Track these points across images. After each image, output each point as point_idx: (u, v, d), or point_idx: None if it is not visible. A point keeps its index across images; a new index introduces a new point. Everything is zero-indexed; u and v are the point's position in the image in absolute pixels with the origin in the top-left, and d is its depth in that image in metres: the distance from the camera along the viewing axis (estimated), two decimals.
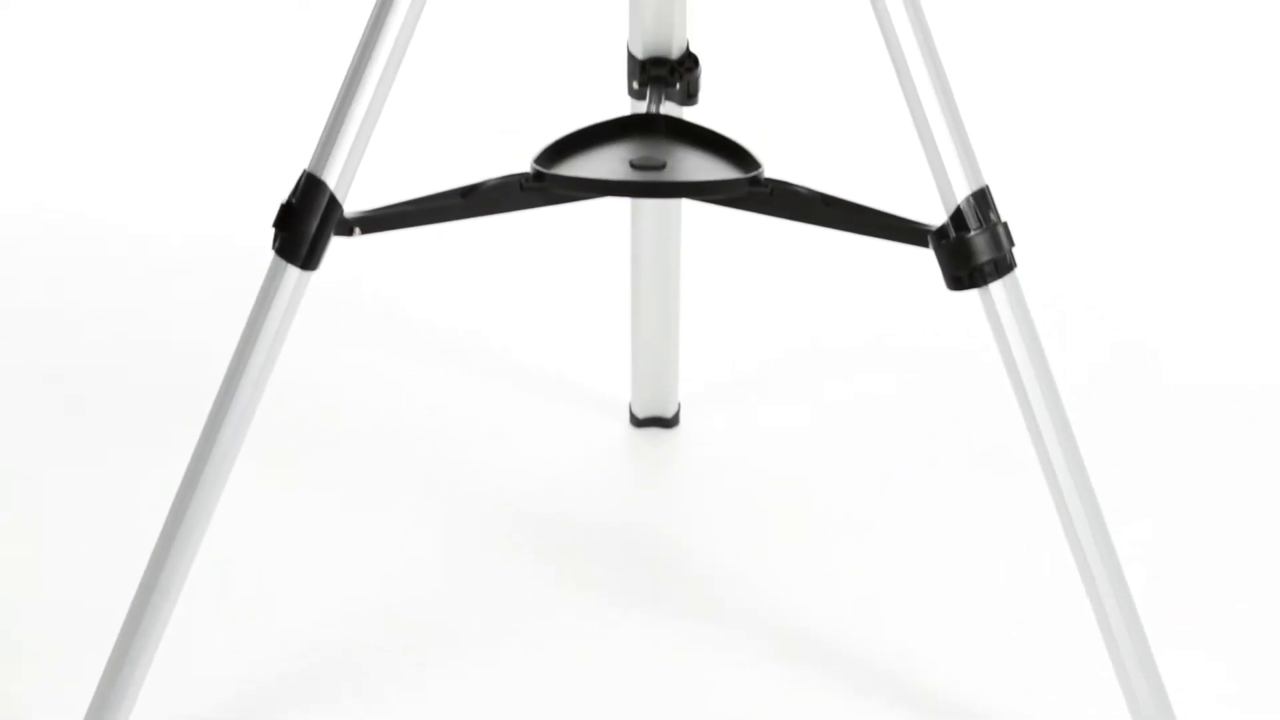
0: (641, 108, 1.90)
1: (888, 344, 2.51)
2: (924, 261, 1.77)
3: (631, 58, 1.93)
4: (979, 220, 1.59)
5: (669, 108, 1.90)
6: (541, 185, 1.67)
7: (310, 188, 1.60)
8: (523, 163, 1.69)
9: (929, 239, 1.61)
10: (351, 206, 1.64)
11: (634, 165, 1.71)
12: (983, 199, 1.59)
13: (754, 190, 1.67)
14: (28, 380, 2.38)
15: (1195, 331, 2.54)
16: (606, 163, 1.72)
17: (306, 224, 1.60)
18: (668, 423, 2.29)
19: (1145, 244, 2.73)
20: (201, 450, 1.63)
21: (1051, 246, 2.69)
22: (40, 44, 3.03)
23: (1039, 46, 2.99)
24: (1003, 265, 1.60)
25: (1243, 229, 2.75)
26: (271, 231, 1.62)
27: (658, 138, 1.78)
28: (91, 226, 2.77)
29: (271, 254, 1.61)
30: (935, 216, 1.62)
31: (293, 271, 1.60)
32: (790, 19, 3.00)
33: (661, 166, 1.70)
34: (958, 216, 1.59)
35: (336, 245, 1.68)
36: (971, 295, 1.61)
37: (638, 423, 2.29)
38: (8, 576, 1.98)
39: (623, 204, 2.19)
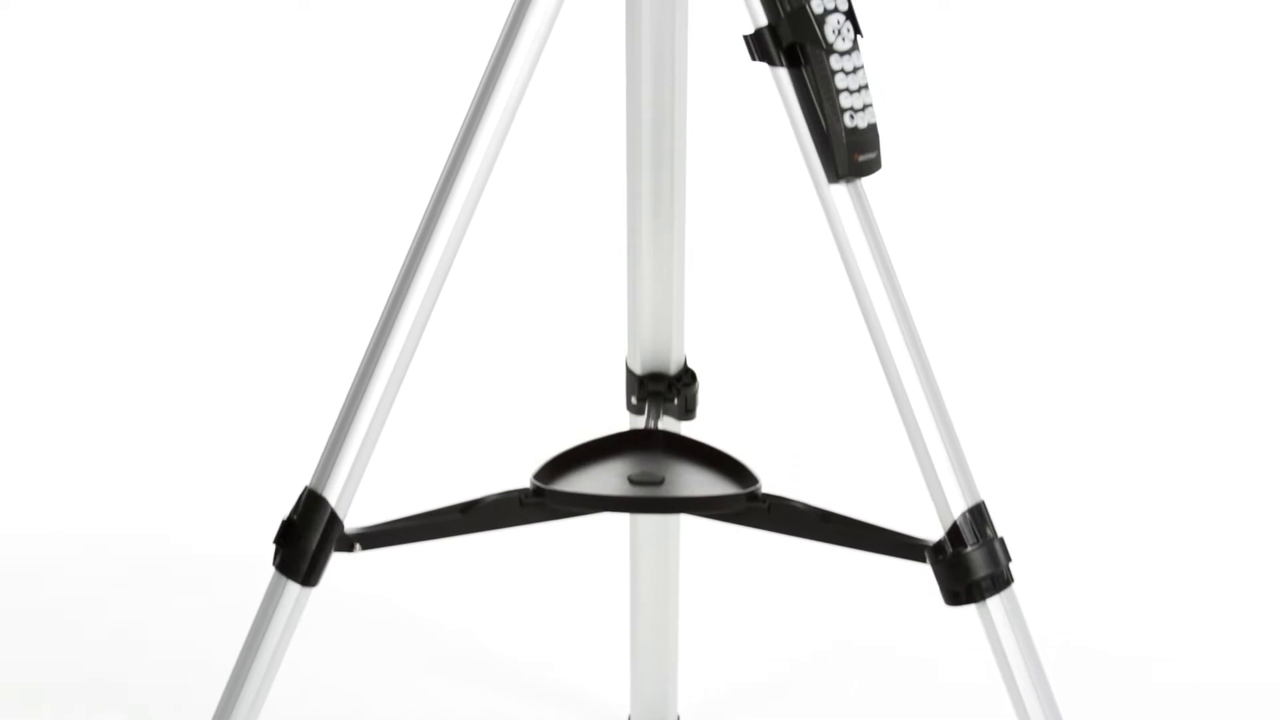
0: (640, 422, 1.92)
1: (886, 657, 2.50)
2: (922, 575, 1.77)
3: (630, 373, 1.95)
4: (975, 536, 1.60)
5: (667, 423, 1.92)
6: (540, 501, 1.68)
7: (311, 504, 1.61)
8: (523, 476, 1.71)
9: (926, 554, 1.62)
10: (352, 506, 1.64)
11: (632, 481, 1.72)
12: (979, 514, 1.61)
13: (752, 505, 1.68)
14: (25, 689, 2.37)
15: (1184, 641, 2.54)
16: (605, 478, 1.73)
17: (307, 541, 1.61)
18: None
19: (1132, 562, 2.74)
20: None
21: (1045, 565, 2.70)
22: None
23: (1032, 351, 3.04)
24: (1000, 581, 1.60)
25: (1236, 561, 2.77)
26: (272, 546, 1.62)
27: (656, 452, 1.79)
28: (90, 539, 2.78)
29: (272, 569, 1.62)
30: (932, 525, 1.63)
31: (293, 588, 1.61)
32: (786, 336, 3.04)
33: (660, 482, 1.72)
34: (954, 532, 1.60)
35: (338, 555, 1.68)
36: (969, 610, 1.61)
37: None
38: None
39: (623, 515, 2.20)
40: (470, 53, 3.00)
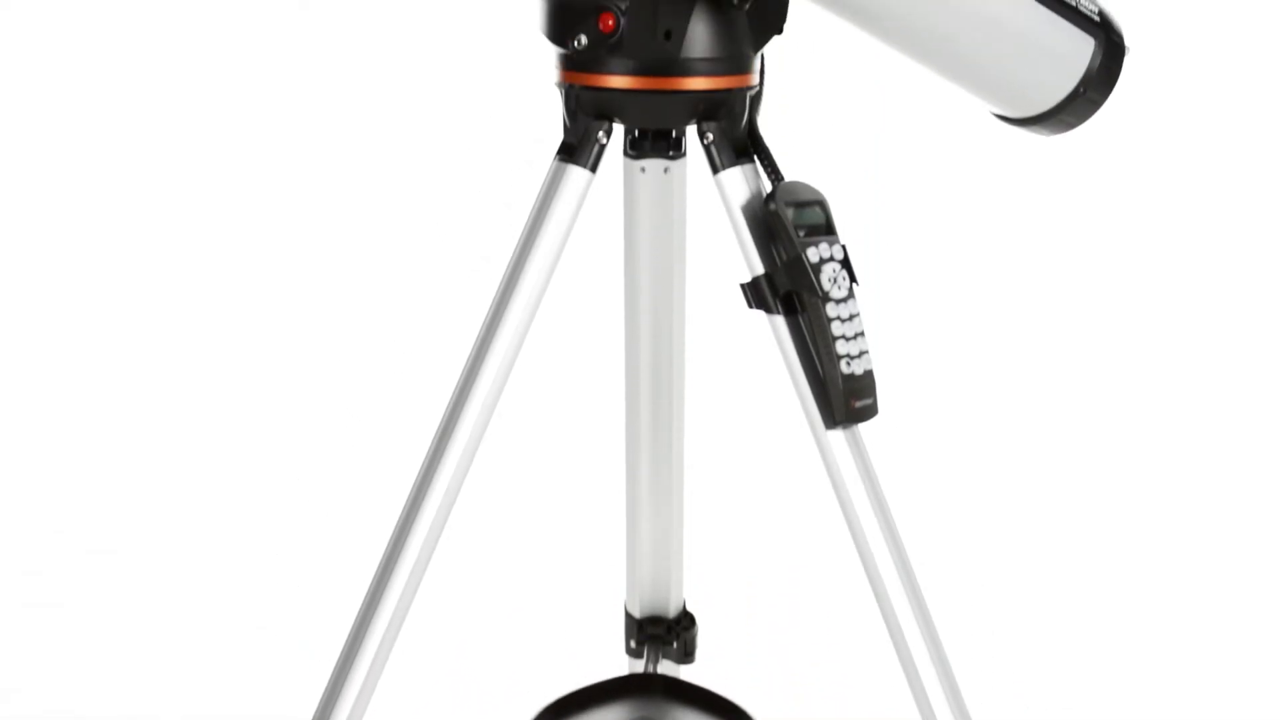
0: (639, 666, 1.92)
1: None
2: None
3: (629, 617, 1.95)
4: None
5: (666, 666, 1.91)
6: None
7: None
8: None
9: None
10: None
11: None
12: None
13: None
14: None
15: None
16: None
17: None
18: None
19: None
20: None
21: None
22: None
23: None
24: None
25: None
26: None
27: (655, 697, 1.79)
28: None
29: None
30: None
31: None
32: (784, 578, 3.04)
33: None
34: None
35: None
36: None
37: None
38: None
39: None
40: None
